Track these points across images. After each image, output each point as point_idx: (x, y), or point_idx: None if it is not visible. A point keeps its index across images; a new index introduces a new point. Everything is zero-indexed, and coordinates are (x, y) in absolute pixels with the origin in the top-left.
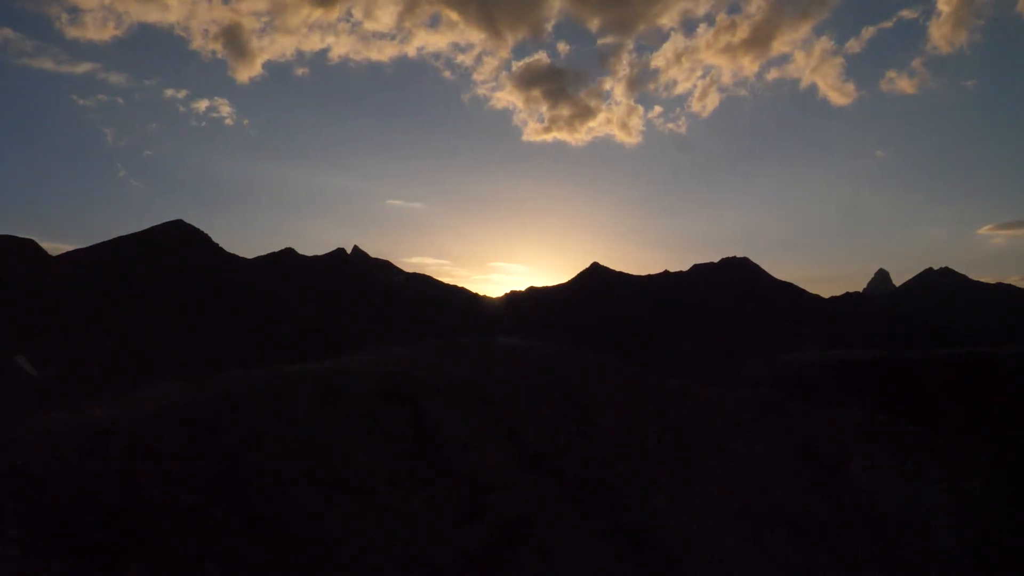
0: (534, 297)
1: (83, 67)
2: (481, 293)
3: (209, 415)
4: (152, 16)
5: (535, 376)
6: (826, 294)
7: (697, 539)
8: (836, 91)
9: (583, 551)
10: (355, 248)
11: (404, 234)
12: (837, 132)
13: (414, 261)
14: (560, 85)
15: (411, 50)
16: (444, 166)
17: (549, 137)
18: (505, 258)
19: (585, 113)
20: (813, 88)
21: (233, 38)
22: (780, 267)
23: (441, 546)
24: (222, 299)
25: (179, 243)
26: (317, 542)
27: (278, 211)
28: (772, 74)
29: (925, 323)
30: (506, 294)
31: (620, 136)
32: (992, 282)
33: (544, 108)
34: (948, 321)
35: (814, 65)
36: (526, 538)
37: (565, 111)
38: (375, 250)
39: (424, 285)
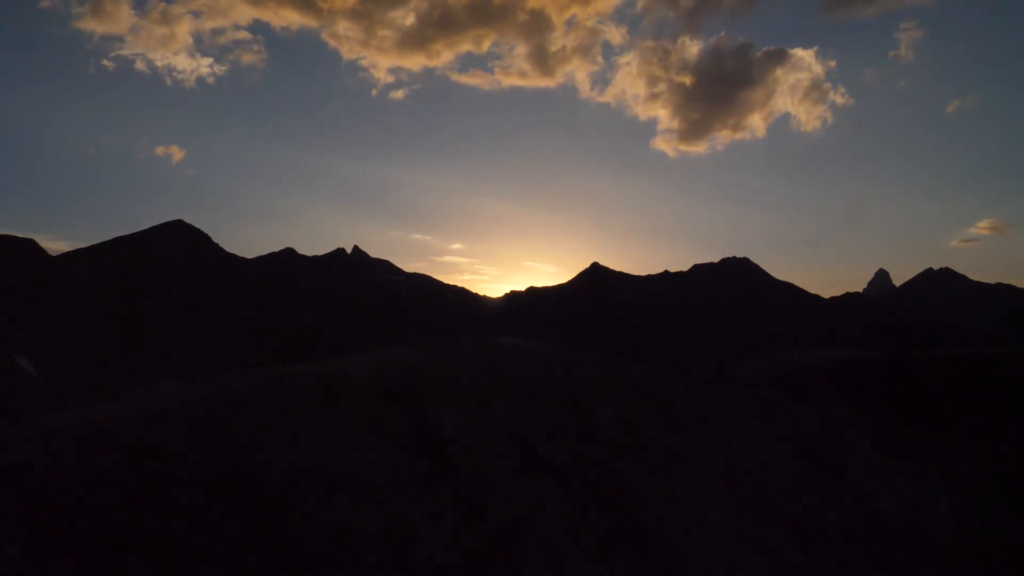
0: (534, 297)
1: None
2: (483, 293)
3: (209, 415)
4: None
5: (535, 376)
6: (826, 294)
7: (697, 539)
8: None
9: (583, 551)
10: (355, 248)
11: (470, 230)
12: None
13: (445, 260)
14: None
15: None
16: (550, 169)
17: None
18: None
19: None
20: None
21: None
22: (780, 267)
23: (441, 546)
24: (222, 299)
25: (179, 243)
26: (317, 542)
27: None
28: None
29: (925, 323)
30: (506, 294)
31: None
32: (992, 282)
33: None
34: (948, 321)
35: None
36: (526, 538)
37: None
38: (413, 244)
39: (424, 285)
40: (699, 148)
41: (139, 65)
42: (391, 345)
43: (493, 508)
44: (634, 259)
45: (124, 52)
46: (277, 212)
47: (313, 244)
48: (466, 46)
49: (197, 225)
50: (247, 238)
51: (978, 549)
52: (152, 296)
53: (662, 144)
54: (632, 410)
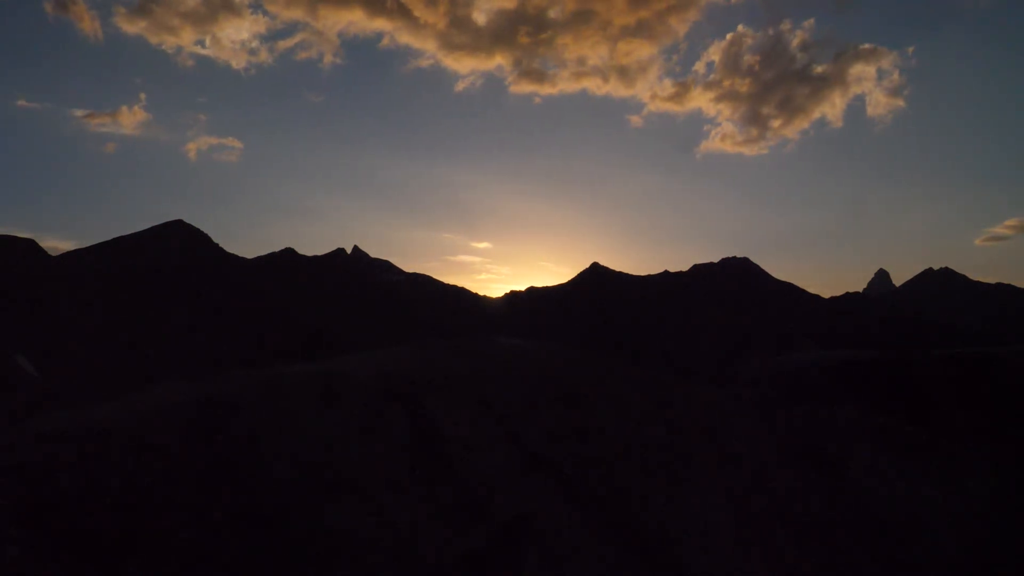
0: (534, 297)
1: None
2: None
3: (209, 415)
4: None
5: (535, 376)
6: (826, 294)
7: (697, 539)
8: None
9: (584, 551)
10: (355, 248)
11: (498, 229)
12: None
13: (459, 259)
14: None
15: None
16: (598, 167)
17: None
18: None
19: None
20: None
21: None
22: (780, 267)
23: (441, 546)
24: (222, 299)
25: (179, 243)
26: (317, 542)
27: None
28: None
29: (925, 323)
30: (506, 294)
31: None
32: (992, 282)
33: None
34: (948, 321)
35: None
36: (526, 538)
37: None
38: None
39: (424, 285)
40: (759, 149)
41: (201, 54)
42: (391, 345)
43: (493, 508)
44: (640, 259)
45: (174, 42)
46: (294, 209)
47: (333, 242)
48: (540, 50)
49: (217, 220)
50: (268, 236)
51: (978, 549)
52: (152, 296)
53: (717, 145)
54: (632, 410)
